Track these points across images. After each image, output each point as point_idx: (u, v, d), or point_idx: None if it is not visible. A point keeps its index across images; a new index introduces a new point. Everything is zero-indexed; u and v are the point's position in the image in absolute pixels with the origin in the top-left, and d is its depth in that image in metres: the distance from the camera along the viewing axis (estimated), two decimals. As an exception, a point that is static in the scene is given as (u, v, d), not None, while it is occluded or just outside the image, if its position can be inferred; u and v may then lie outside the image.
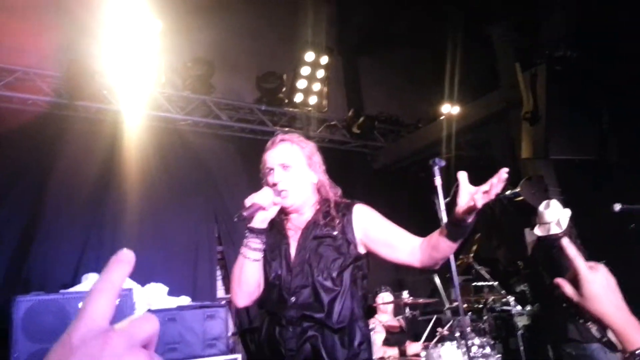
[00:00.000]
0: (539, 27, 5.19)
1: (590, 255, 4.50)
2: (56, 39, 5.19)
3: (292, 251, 2.01)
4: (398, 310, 4.55)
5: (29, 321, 3.41)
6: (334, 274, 1.93)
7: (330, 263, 1.94)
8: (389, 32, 7.50)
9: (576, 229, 3.92)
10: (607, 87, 4.81)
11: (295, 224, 2.07)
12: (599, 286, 1.07)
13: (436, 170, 2.91)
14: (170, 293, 4.58)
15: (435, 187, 2.93)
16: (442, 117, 6.42)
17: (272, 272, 1.99)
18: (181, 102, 6.08)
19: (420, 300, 4.20)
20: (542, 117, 4.37)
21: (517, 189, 4.63)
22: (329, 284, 1.92)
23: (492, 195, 1.57)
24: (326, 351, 1.86)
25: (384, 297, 4.71)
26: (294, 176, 2.03)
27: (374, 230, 2.01)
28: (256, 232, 1.93)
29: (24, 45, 4.97)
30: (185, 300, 4.45)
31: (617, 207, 3.23)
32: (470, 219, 1.68)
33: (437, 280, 4.75)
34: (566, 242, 1.13)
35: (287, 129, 6.44)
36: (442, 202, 3.08)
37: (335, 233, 1.99)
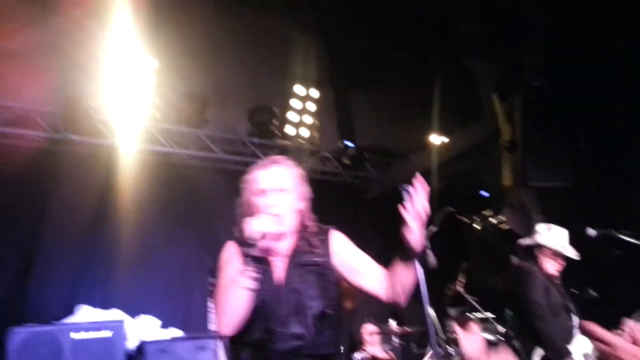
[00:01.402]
0: (517, 59, 5.37)
1: (575, 279, 4.56)
2: (54, 78, 5.37)
3: (275, 278, 1.98)
4: (387, 341, 4.56)
5: (23, 352, 3.47)
6: (324, 302, 1.94)
7: (319, 291, 1.96)
8: (377, 66, 7.70)
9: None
10: (582, 114, 4.96)
11: (275, 250, 2.04)
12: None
13: (405, 196, 2.97)
14: (161, 325, 4.62)
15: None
16: (429, 148, 6.56)
17: (257, 300, 1.89)
18: (175, 136, 6.23)
19: (408, 329, 4.22)
20: (520, 146, 4.53)
21: (502, 217, 4.73)
22: (318, 312, 1.92)
23: (419, 207, 1.80)
24: None
25: (368, 329, 4.72)
26: (289, 201, 2.02)
27: (349, 257, 2.07)
28: (256, 260, 1.86)
29: (21, 86, 5.13)
30: (175, 332, 4.48)
31: (592, 232, 3.33)
32: (413, 239, 1.84)
33: (431, 311, 4.76)
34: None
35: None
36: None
37: (319, 260, 2.02)
